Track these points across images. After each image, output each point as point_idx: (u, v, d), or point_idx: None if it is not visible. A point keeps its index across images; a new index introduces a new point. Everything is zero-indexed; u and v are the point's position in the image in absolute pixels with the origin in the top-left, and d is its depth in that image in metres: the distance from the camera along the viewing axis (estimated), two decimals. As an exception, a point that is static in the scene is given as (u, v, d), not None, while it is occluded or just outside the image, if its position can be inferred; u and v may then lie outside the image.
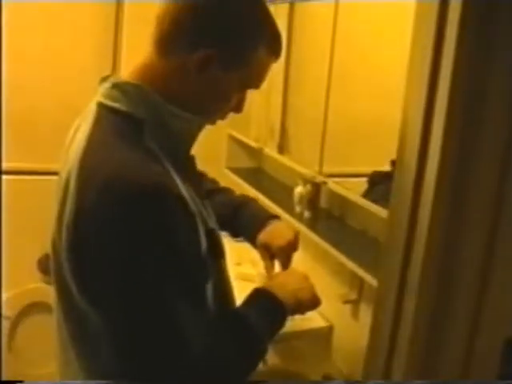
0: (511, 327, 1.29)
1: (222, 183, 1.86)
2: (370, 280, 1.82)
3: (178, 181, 1.17)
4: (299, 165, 2.46)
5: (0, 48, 2.76)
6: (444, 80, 1.11)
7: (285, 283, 1.44)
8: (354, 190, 2.11)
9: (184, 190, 1.17)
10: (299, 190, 2.38)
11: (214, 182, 1.84)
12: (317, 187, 2.36)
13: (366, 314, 2.12)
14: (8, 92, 2.82)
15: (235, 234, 1.73)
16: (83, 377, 1.26)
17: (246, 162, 3.17)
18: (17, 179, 2.96)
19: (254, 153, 3.05)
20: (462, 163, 1.15)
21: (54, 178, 1.30)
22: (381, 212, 1.80)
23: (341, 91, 2.19)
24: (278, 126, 2.70)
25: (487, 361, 1.30)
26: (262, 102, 2.71)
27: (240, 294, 1.40)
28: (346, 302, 2.19)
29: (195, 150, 1.32)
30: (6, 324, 3.05)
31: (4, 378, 2.83)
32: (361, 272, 1.90)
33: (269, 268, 1.66)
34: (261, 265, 1.70)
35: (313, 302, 1.47)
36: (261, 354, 1.30)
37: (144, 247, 1.08)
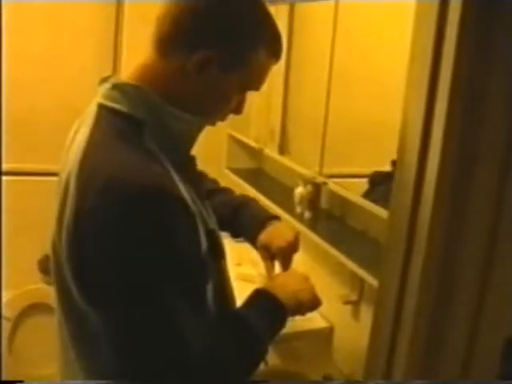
0: (511, 327, 1.29)
1: (223, 184, 1.86)
2: (371, 280, 1.82)
3: (179, 182, 1.17)
4: (299, 165, 2.45)
5: (0, 48, 2.76)
6: (444, 80, 1.11)
7: (285, 284, 1.44)
8: (354, 191, 2.11)
9: (184, 190, 1.17)
10: (300, 190, 2.38)
11: (214, 182, 1.84)
12: (317, 188, 2.36)
13: (366, 314, 2.12)
14: (8, 92, 2.82)
15: (235, 234, 1.73)
16: (83, 377, 1.26)
17: (246, 163, 3.17)
18: (17, 180, 2.96)
19: (255, 153, 3.05)
20: (463, 163, 1.15)
21: (54, 178, 1.30)
22: (381, 212, 1.80)
23: (341, 92, 2.19)
24: (278, 127, 2.70)
25: (487, 361, 1.30)
26: (262, 102, 2.71)
27: (240, 294, 1.41)
28: (347, 302, 2.19)
29: (196, 151, 1.32)
30: (6, 325, 3.05)
31: (4, 379, 2.83)
32: (361, 272, 1.90)
33: (269, 269, 1.66)
34: (261, 265, 1.70)
35: (313, 303, 1.48)
36: (261, 355, 1.30)
37: (144, 248, 1.08)
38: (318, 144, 2.27)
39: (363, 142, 2.15)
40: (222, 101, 1.29)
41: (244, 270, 2.59)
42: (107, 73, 1.34)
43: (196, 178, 1.33)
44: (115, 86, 1.22)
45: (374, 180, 2.04)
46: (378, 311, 1.37)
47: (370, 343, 1.40)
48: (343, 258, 2.00)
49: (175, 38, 1.20)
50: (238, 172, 3.05)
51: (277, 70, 1.40)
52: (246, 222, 1.68)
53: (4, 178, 2.89)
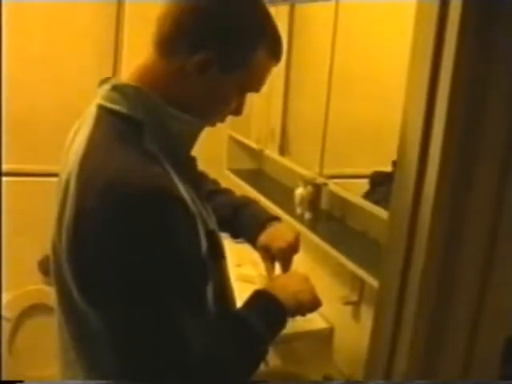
0: (511, 327, 1.29)
1: (223, 184, 1.86)
2: (371, 281, 1.81)
3: (178, 182, 1.17)
4: (300, 166, 2.45)
5: (0, 48, 2.76)
6: (444, 80, 1.11)
7: (285, 285, 1.44)
8: (354, 192, 2.11)
9: (184, 191, 1.17)
10: (300, 191, 2.38)
11: (214, 182, 1.84)
12: (317, 188, 2.36)
13: (366, 315, 2.11)
14: (8, 92, 2.82)
15: (235, 235, 1.73)
16: (83, 377, 1.26)
17: (246, 164, 3.17)
18: (17, 181, 2.96)
19: (255, 154, 3.05)
20: (463, 164, 1.15)
21: (54, 179, 1.31)
22: (381, 213, 1.80)
23: (341, 92, 2.19)
24: (278, 128, 2.70)
25: (487, 361, 1.30)
26: (262, 103, 2.71)
27: (241, 295, 1.41)
28: (347, 303, 2.18)
29: (196, 151, 1.32)
30: (6, 326, 3.04)
31: (4, 380, 2.83)
32: (362, 273, 1.90)
33: (269, 270, 1.66)
34: (261, 266, 1.70)
35: (313, 304, 1.47)
36: (261, 355, 1.30)
37: (144, 248, 1.08)
38: (319, 145, 2.27)
39: (363, 143, 2.15)
40: (221, 102, 1.29)
41: (244, 270, 2.59)
42: (107, 73, 1.34)
43: (196, 179, 1.33)
44: (115, 87, 1.22)
45: (374, 180, 2.04)
46: (379, 312, 1.37)
47: (370, 344, 1.40)
48: (343, 259, 1.99)
49: (176, 39, 1.20)
50: (238, 173, 3.05)
51: (277, 71, 1.40)
52: (246, 222, 1.68)
53: (4, 178, 2.89)
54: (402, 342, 1.27)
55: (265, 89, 1.36)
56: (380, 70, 2.05)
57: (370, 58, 2.09)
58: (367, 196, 2.04)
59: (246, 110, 1.38)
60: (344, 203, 2.24)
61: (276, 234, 1.64)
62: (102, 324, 1.16)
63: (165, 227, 1.10)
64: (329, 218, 2.36)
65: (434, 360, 1.26)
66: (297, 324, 1.92)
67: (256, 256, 1.71)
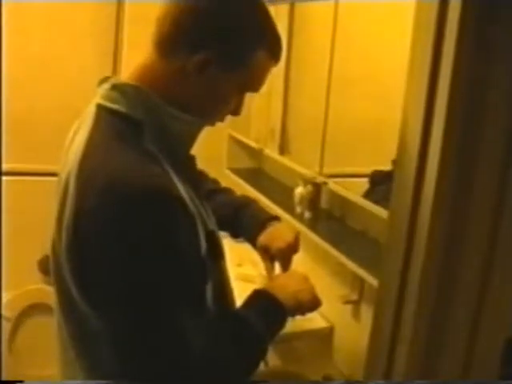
0: (511, 327, 1.29)
1: (223, 184, 1.86)
2: (371, 280, 1.81)
3: (178, 182, 1.17)
4: (300, 165, 2.45)
5: (0, 48, 2.76)
6: (444, 80, 1.11)
7: (285, 285, 1.44)
8: (354, 191, 2.11)
9: (184, 191, 1.17)
10: (300, 190, 2.38)
11: (214, 182, 1.84)
12: (317, 188, 2.35)
13: (366, 314, 2.12)
14: (8, 92, 2.82)
15: (235, 234, 1.73)
16: (83, 377, 1.26)
17: (246, 163, 3.17)
18: (17, 180, 2.96)
19: (255, 153, 3.05)
20: (462, 163, 1.15)
21: (54, 179, 1.31)
22: (381, 212, 1.80)
23: (341, 91, 2.19)
24: (278, 127, 2.70)
25: (487, 361, 1.30)
26: (262, 102, 2.71)
27: (241, 294, 1.41)
28: (347, 302, 2.18)
29: (196, 151, 1.32)
30: (6, 325, 3.05)
31: (4, 379, 2.83)
32: (361, 272, 1.90)
33: (269, 270, 1.66)
34: (261, 266, 1.70)
35: (313, 303, 1.48)
36: (261, 355, 1.30)
37: (143, 248, 1.08)
38: (318, 144, 2.27)
39: (363, 142, 2.15)
40: (221, 102, 1.29)
41: (244, 270, 2.59)
42: (107, 73, 1.34)
43: (195, 179, 1.33)
44: (114, 87, 1.22)
45: (374, 179, 2.04)
46: (378, 311, 1.37)
47: (370, 343, 1.40)
48: (343, 258, 1.99)
49: (175, 39, 1.21)
50: (238, 172, 3.05)
51: (277, 70, 1.40)
52: (246, 222, 1.68)
53: (4, 178, 2.89)
54: (402, 341, 1.27)
55: (264, 88, 1.36)
56: (380, 70, 2.05)
57: (370, 57, 2.09)
58: (367, 195, 2.04)
59: (245, 109, 1.38)
60: (344, 202, 2.24)
61: (275, 234, 1.64)
62: (101, 324, 1.16)
63: (164, 227, 1.10)
64: (329, 218, 2.36)
65: (433, 360, 1.26)
66: (297, 323, 1.92)
67: (256, 255, 1.71)
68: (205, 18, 1.19)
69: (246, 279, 2.46)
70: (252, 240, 1.67)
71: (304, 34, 2.53)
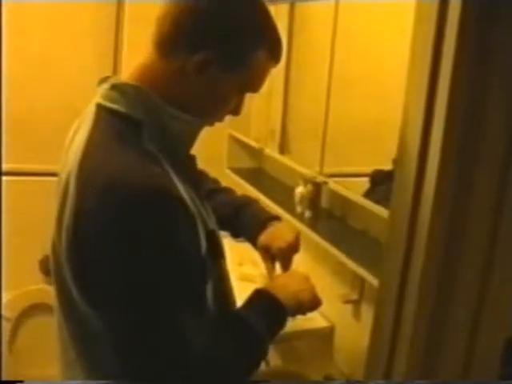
0: (511, 327, 1.29)
1: (223, 183, 1.86)
2: (371, 280, 1.81)
3: (178, 182, 1.17)
4: (300, 165, 2.45)
5: (0, 48, 2.76)
6: (444, 80, 1.11)
7: (286, 284, 1.44)
8: (355, 190, 2.11)
9: (184, 191, 1.17)
10: (300, 190, 2.38)
11: (215, 181, 1.84)
12: (317, 187, 2.36)
13: (367, 314, 2.12)
14: (8, 92, 2.82)
15: (236, 234, 1.73)
16: (84, 377, 1.26)
17: (246, 163, 3.17)
18: (17, 180, 2.96)
19: (255, 153, 3.05)
20: (463, 163, 1.15)
21: (54, 179, 1.31)
22: (382, 212, 1.80)
23: (341, 91, 2.19)
24: (278, 127, 2.70)
25: (487, 361, 1.30)
26: (262, 102, 2.71)
27: (241, 294, 1.41)
28: (347, 302, 2.18)
29: (196, 151, 1.32)
30: (6, 325, 3.04)
31: (4, 379, 2.83)
32: (362, 272, 1.90)
33: (269, 269, 1.66)
34: (263, 265, 1.70)
35: (313, 303, 1.48)
36: (261, 354, 1.30)
37: (144, 248, 1.09)
38: (319, 143, 2.27)
39: (363, 142, 2.15)
40: (221, 102, 1.29)
41: (245, 270, 2.59)
42: (107, 73, 1.34)
43: (195, 178, 1.33)
44: (114, 87, 1.22)
45: (375, 179, 2.04)
46: (379, 311, 1.37)
47: (370, 343, 1.40)
48: (344, 258, 1.99)
49: (175, 39, 1.20)
50: (238, 172, 3.05)
51: (277, 70, 1.40)
52: (246, 222, 1.68)
53: (4, 178, 2.89)
54: (402, 341, 1.27)
55: (265, 88, 1.36)
56: (380, 70, 2.05)
57: (370, 57, 2.09)
58: (368, 195, 2.04)
59: (245, 109, 1.38)
60: (344, 202, 2.24)
61: (276, 234, 1.64)
62: (102, 324, 1.16)
63: (164, 227, 1.10)
64: (329, 217, 2.36)
65: (433, 360, 1.26)
66: (297, 323, 1.92)
67: (257, 255, 1.71)
68: (205, 17, 1.19)
69: (246, 279, 2.46)
70: (252, 240, 1.67)
71: (304, 34, 2.52)
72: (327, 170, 2.26)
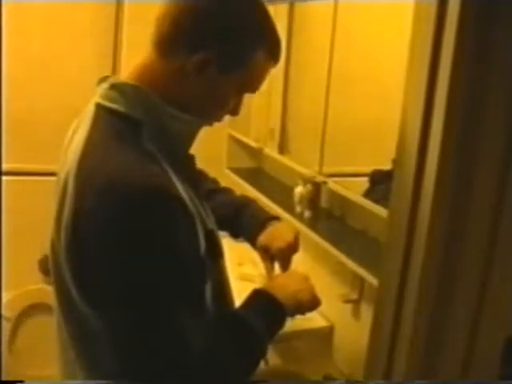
0: (511, 327, 1.29)
1: (223, 183, 1.86)
2: (371, 280, 1.81)
3: (177, 181, 1.17)
4: (299, 165, 2.45)
5: (0, 48, 2.76)
6: (443, 80, 1.11)
7: (285, 284, 1.44)
8: (354, 190, 2.11)
9: (183, 190, 1.17)
10: (299, 189, 2.38)
11: (214, 181, 1.84)
12: (317, 187, 2.36)
13: (366, 313, 2.11)
14: (8, 92, 2.82)
15: (235, 234, 1.73)
16: (83, 377, 1.26)
17: (246, 162, 3.17)
18: (17, 180, 2.96)
19: (255, 153, 3.05)
20: (462, 163, 1.15)
21: (54, 178, 1.30)
22: (381, 212, 1.80)
23: (340, 91, 2.19)
24: (278, 126, 2.70)
25: (487, 361, 1.30)
26: (262, 102, 2.71)
27: (241, 294, 1.40)
28: (347, 301, 2.18)
29: (196, 150, 1.32)
30: (6, 325, 3.04)
31: (4, 379, 2.83)
32: (361, 272, 1.90)
33: (269, 269, 1.66)
34: (262, 265, 1.70)
35: (313, 303, 1.48)
36: (261, 354, 1.30)
37: (143, 248, 1.09)
38: (318, 143, 2.28)
39: (363, 141, 2.15)
40: (220, 102, 1.29)
41: (245, 269, 2.59)
42: (107, 73, 1.34)
43: (194, 178, 1.33)
44: (113, 86, 1.22)
45: (374, 179, 2.04)
46: (378, 310, 1.37)
47: (370, 342, 1.40)
48: (343, 258, 1.99)
49: (175, 39, 1.20)
50: (237, 171, 3.05)
51: (277, 70, 1.40)
52: (246, 222, 1.68)
53: (4, 178, 2.89)
54: (402, 340, 1.27)
55: (264, 88, 1.36)
56: (379, 69, 2.06)
57: (369, 57, 2.09)
58: (367, 194, 2.04)
59: (244, 109, 1.38)
60: (344, 202, 2.24)
61: (275, 234, 1.64)
62: (101, 324, 1.16)
63: (163, 227, 1.10)
64: (328, 217, 2.36)
65: (433, 360, 1.26)
66: (296, 322, 1.91)
67: (256, 255, 1.71)
68: (204, 17, 1.19)
69: (246, 279, 2.46)
70: (252, 240, 1.67)
71: (304, 34, 2.53)
72: (326, 169, 2.27)
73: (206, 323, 1.20)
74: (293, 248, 1.64)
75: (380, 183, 1.99)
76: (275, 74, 1.63)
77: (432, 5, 1.11)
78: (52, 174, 1.38)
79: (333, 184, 2.22)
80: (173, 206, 1.12)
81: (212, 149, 2.76)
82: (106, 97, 1.22)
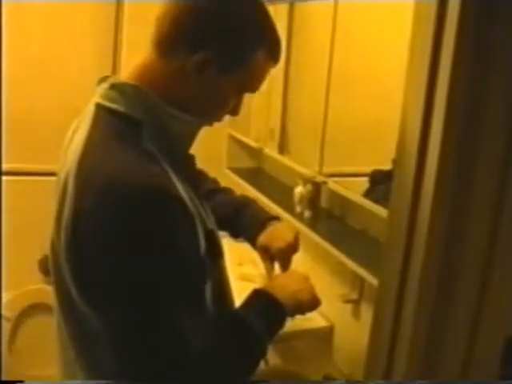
0: (511, 327, 1.29)
1: (223, 183, 1.86)
2: (371, 279, 1.81)
3: (177, 181, 1.17)
4: (299, 165, 2.45)
5: (0, 48, 2.76)
6: (443, 80, 1.11)
7: (285, 284, 1.44)
8: (354, 190, 2.11)
9: (183, 190, 1.17)
10: (299, 189, 2.38)
11: (214, 181, 1.84)
12: (317, 187, 2.36)
13: (366, 313, 2.11)
14: (8, 92, 2.82)
15: (235, 234, 1.73)
16: (83, 377, 1.26)
17: (246, 162, 3.17)
18: (17, 180, 2.96)
19: (255, 153, 3.05)
20: (462, 162, 1.15)
21: (54, 178, 1.30)
22: (381, 212, 1.80)
23: (340, 91, 2.19)
24: (278, 126, 2.70)
25: (487, 361, 1.30)
26: (262, 102, 2.71)
27: (241, 294, 1.40)
28: (347, 301, 2.18)
29: (196, 150, 1.32)
30: (6, 325, 3.04)
31: (4, 379, 2.83)
32: (361, 272, 1.90)
33: (269, 269, 1.66)
34: (262, 265, 1.70)
35: (313, 303, 1.48)
36: (260, 354, 1.30)
37: (143, 248, 1.08)
38: (318, 143, 2.28)
39: (363, 141, 2.15)
40: (220, 102, 1.29)
41: (245, 269, 2.59)
42: (107, 73, 1.34)
43: (194, 178, 1.33)
44: (113, 86, 1.22)
45: (374, 179, 2.04)
46: (378, 310, 1.37)
47: (370, 342, 1.40)
48: (343, 257, 1.99)
49: (175, 39, 1.20)
50: (237, 171, 3.05)
51: (277, 70, 1.40)
52: (246, 222, 1.68)
53: (4, 178, 2.89)
54: (402, 340, 1.27)
55: (264, 87, 1.36)
56: (379, 69, 2.06)
57: (369, 57, 2.09)
58: (367, 194, 2.04)
59: (244, 109, 1.38)
60: (344, 202, 2.24)
61: (275, 234, 1.64)
62: (101, 324, 1.16)
63: (163, 227, 1.10)
64: (328, 217, 2.36)
65: (433, 360, 1.26)
66: (296, 322, 1.91)
67: (256, 255, 1.71)
68: (204, 17, 1.19)
69: (246, 278, 2.46)
70: (252, 240, 1.67)
71: (304, 34, 2.53)
72: (326, 169, 2.27)
73: (206, 323, 1.20)
74: (293, 248, 1.64)
75: (380, 183, 1.99)
76: (275, 73, 1.63)
77: (432, 5, 1.11)
78: (52, 174, 1.38)
79: (333, 184, 2.22)
80: (173, 205, 1.12)
81: (212, 149, 2.76)
82: (106, 97, 1.22)
